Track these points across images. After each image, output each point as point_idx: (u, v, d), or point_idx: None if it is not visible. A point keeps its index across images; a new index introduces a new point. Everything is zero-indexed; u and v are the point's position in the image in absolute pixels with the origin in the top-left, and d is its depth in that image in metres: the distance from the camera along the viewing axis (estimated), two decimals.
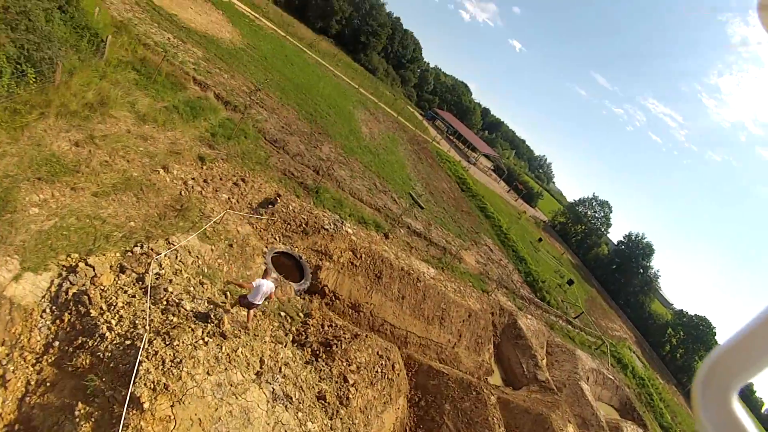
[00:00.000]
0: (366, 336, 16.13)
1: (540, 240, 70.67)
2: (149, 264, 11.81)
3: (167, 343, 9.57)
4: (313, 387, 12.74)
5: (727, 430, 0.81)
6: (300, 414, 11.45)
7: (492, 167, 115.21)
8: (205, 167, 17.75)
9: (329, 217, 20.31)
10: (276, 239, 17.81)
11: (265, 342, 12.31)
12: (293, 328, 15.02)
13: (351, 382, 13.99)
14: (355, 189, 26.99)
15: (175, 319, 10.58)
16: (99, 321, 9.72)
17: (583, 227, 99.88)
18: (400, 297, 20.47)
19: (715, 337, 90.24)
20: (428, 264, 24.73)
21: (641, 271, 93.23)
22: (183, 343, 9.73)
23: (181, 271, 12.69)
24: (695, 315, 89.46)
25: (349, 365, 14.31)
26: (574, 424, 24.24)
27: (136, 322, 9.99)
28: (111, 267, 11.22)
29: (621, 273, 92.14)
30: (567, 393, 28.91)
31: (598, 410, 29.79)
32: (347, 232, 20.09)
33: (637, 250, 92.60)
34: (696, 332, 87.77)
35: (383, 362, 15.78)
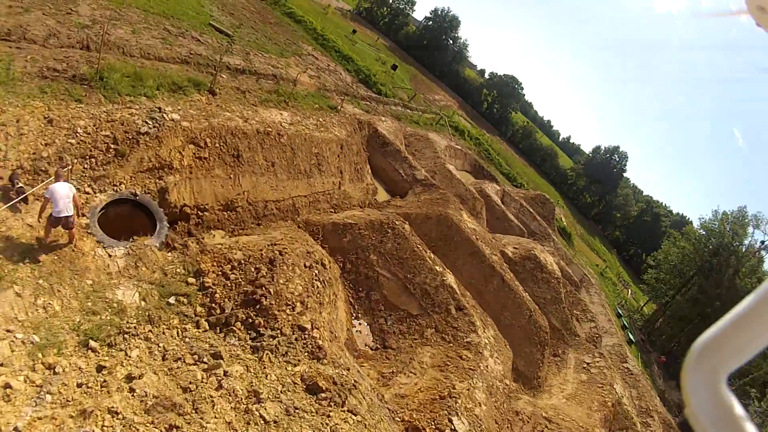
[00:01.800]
0: (280, 252, 12.70)
1: (354, 32, 67.00)
2: None
3: None
4: (292, 386, 9.84)
5: (717, 414, 0.80)
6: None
7: None
8: None
9: (139, 112, 14.31)
10: (89, 190, 12.14)
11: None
12: (198, 308, 11.09)
13: (309, 326, 11.26)
14: (146, 47, 20.06)
15: None
16: None
17: (389, 9, 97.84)
18: (269, 166, 16.71)
19: (523, 92, 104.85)
20: (276, 107, 20.58)
21: (451, 42, 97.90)
22: None
23: None
24: (504, 74, 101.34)
25: (293, 308, 11.30)
26: (466, 211, 24.88)
27: None
28: None
29: (433, 47, 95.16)
30: (440, 179, 30.11)
31: (466, 184, 31.68)
32: (173, 120, 14.51)
33: (444, 24, 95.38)
34: (507, 89, 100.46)
35: (317, 271, 13.11)
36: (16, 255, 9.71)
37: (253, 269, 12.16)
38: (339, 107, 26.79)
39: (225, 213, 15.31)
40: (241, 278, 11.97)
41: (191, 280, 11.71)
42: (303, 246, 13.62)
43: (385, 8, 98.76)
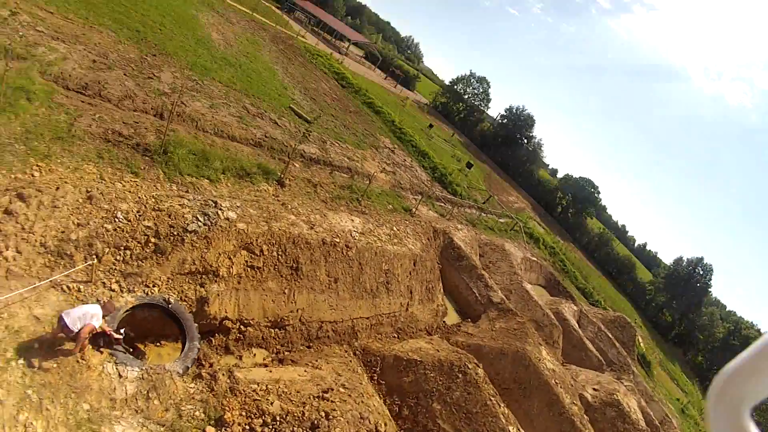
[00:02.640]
0: (326, 415, 10.19)
1: (431, 126, 67.27)
2: None
3: None
4: None
5: None
6: None
7: (364, 55, 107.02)
8: None
9: (191, 204, 12.60)
10: (115, 287, 10.36)
11: None
12: None
13: None
14: (221, 124, 19.26)
15: None
16: None
17: (465, 105, 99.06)
18: (332, 282, 14.58)
19: (600, 196, 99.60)
20: (347, 212, 18.73)
21: (525, 141, 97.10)
22: None
23: None
24: (580, 177, 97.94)
25: None
26: (545, 344, 21.62)
27: None
28: None
29: (507, 146, 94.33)
30: (515, 299, 27.20)
31: (545, 308, 28.54)
32: (228, 219, 12.67)
33: (519, 122, 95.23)
34: (582, 193, 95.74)
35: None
36: (11, 351, 7.95)
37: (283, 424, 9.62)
38: (414, 210, 24.92)
39: (272, 330, 13.07)
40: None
41: (210, 430, 9.24)
42: (356, 405, 10.93)
43: (460, 104, 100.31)
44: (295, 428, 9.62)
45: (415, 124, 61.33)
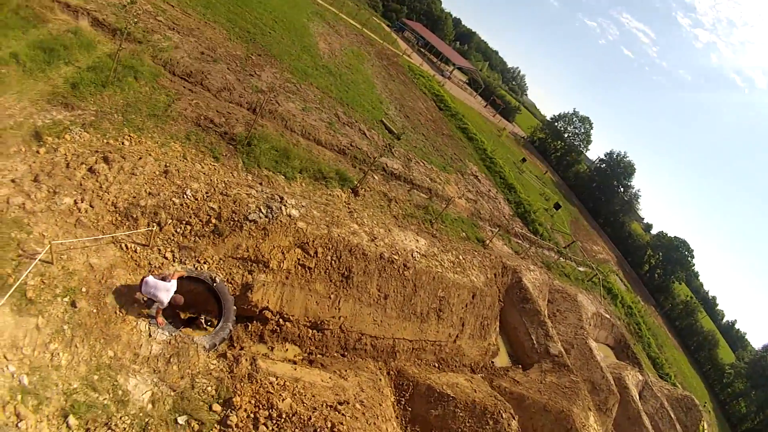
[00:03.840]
0: (332, 427, 10.04)
1: (524, 160, 65.79)
2: None
3: None
4: None
5: None
6: None
7: (467, 81, 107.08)
8: (43, 150, 10.49)
9: (259, 196, 13.06)
10: (168, 256, 11.07)
11: None
12: None
13: None
14: (310, 126, 19.98)
15: None
16: None
17: (563, 144, 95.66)
18: (381, 297, 14.48)
19: (693, 260, 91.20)
20: (414, 229, 18.65)
21: (622, 190, 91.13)
22: None
23: None
24: (675, 237, 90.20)
25: None
26: (594, 411, 20.11)
27: None
28: None
29: (602, 192, 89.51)
30: (575, 354, 25.48)
31: (605, 370, 26.55)
32: (290, 216, 13.06)
33: (618, 169, 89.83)
34: (675, 254, 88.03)
35: None
36: (60, 289, 8.72)
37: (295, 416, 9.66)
38: (488, 242, 24.27)
39: (310, 330, 13.22)
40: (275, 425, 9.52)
41: (216, 407, 9.51)
42: (366, 425, 10.60)
43: (559, 141, 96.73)
44: (297, 430, 9.60)
45: (508, 155, 60.25)
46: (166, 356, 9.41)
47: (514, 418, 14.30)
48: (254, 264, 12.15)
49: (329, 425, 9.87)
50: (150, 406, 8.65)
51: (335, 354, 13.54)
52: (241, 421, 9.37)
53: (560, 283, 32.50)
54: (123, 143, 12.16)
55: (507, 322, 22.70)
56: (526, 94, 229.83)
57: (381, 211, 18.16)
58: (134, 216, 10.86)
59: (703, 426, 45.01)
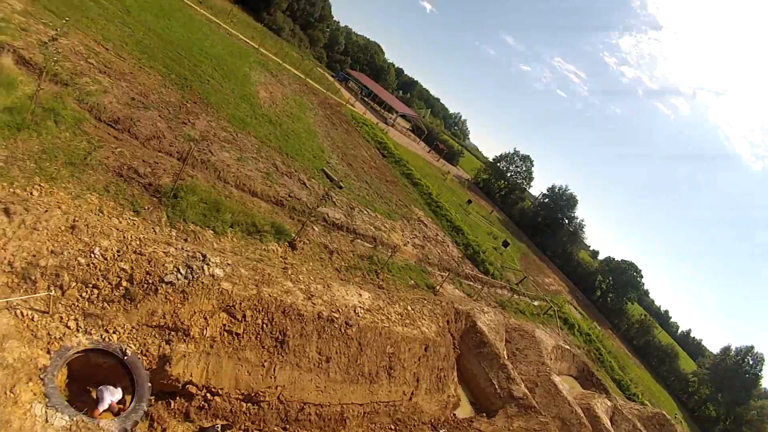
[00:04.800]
0: None
1: (469, 202, 66.59)
2: None
3: None
4: None
5: None
6: None
7: (410, 128, 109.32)
8: None
9: (178, 255, 11.62)
10: (71, 325, 9.47)
11: None
12: None
13: None
14: (245, 177, 18.88)
15: None
16: None
17: (507, 183, 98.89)
18: (323, 361, 13.09)
19: (642, 280, 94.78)
20: (358, 282, 17.62)
21: (566, 221, 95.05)
22: None
23: None
24: (622, 260, 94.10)
25: None
26: None
27: None
28: None
29: (547, 225, 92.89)
30: (540, 393, 24.79)
31: (573, 404, 25.92)
32: (213, 276, 11.61)
33: (561, 202, 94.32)
34: (624, 276, 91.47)
35: None
36: None
37: None
38: (438, 287, 23.51)
39: (243, 404, 11.60)
40: None
41: None
42: None
43: (502, 181, 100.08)
44: None
45: (454, 198, 60.83)
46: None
47: None
48: (173, 332, 10.61)
49: None
50: None
51: (275, 429, 12.03)
52: None
53: (516, 321, 32.09)
54: (31, 193, 10.72)
55: (465, 370, 21.69)
56: (468, 138, 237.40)
57: (321, 265, 17.09)
58: (33, 278, 9.22)
59: None
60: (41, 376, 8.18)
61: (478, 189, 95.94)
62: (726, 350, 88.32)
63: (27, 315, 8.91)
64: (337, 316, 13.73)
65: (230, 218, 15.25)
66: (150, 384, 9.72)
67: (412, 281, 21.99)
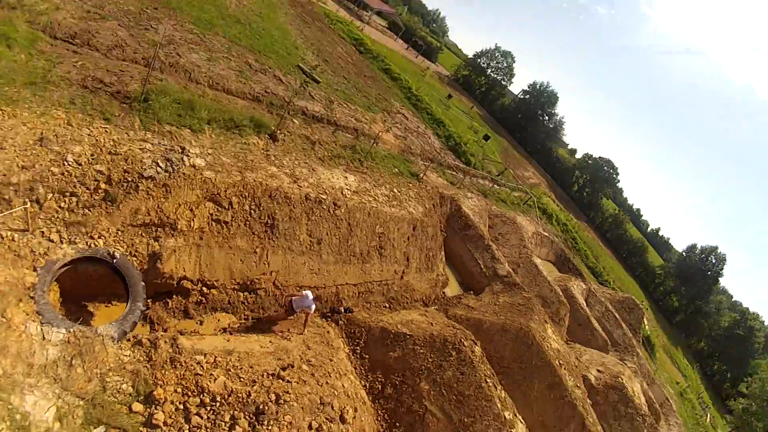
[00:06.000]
0: (276, 399, 8.93)
1: (450, 96, 65.30)
2: None
3: None
4: None
5: None
6: None
7: (387, 25, 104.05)
8: None
9: (155, 149, 10.99)
10: (54, 238, 9.05)
11: None
12: None
13: None
14: (217, 76, 17.77)
15: None
16: None
17: (487, 79, 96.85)
18: (314, 243, 13.13)
19: (618, 177, 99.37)
20: (343, 168, 17.32)
21: (546, 118, 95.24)
22: None
23: None
24: (599, 157, 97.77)
25: None
26: (550, 322, 20.39)
27: None
28: None
29: (528, 121, 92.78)
30: (522, 273, 26.04)
31: (553, 284, 27.28)
32: (194, 167, 11.07)
33: (542, 99, 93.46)
34: (601, 173, 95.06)
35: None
36: None
37: (228, 418, 8.23)
38: (421, 175, 23.49)
39: (240, 294, 11.77)
40: (208, 428, 8.06)
41: (138, 407, 7.91)
42: (318, 387, 9.64)
43: (483, 77, 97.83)
44: (236, 412, 8.36)
45: (434, 93, 59.35)
46: (67, 359, 7.71)
47: (476, 344, 13.92)
48: (159, 229, 10.33)
49: (273, 397, 8.74)
50: (57, 424, 6.99)
51: (275, 314, 12.42)
52: (170, 417, 7.92)
53: (498, 209, 32.81)
54: None
55: (452, 251, 22.37)
56: (448, 36, 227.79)
57: (304, 154, 16.70)
58: (6, 197, 8.74)
59: (645, 322, 48.46)
60: (31, 295, 7.95)
61: (458, 85, 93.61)
62: (692, 248, 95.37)
63: (7, 236, 8.49)
64: (324, 197, 13.69)
65: (207, 115, 14.47)
66: (143, 284, 9.51)
67: (395, 169, 21.88)
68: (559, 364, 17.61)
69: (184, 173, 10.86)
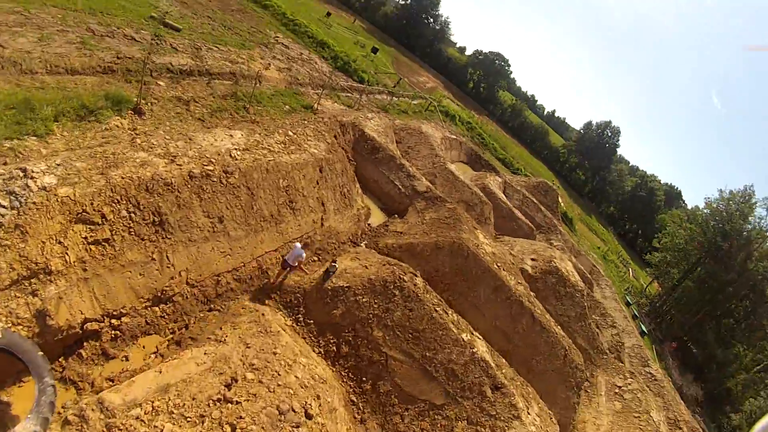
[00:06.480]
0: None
1: (329, 14, 61.55)
2: None
3: None
4: None
5: None
6: None
7: None
8: None
9: None
10: None
11: None
12: None
13: None
14: (55, 57, 14.53)
15: None
16: None
17: None
18: (216, 223, 11.55)
19: (510, 69, 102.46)
20: (227, 123, 15.34)
21: (432, 20, 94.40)
22: None
23: None
24: (490, 51, 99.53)
25: None
26: (478, 227, 20.52)
27: None
28: None
29: (413, 26, 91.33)
30: (440, 183, 26.07)
31: (472, 186, 27.53)
32: (46, 188, 8.76)
33: (423, 2, 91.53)
34: (493, 67, 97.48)
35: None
36: None
37: None
38: (316, 106, 21.85)
39: (156, 309, 10.24)
40: None
41: None
42: (270, 394, 8.73)
43: None
44: None
45: (312, 14, 55.70)
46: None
47: (416, 276, 13.52)
48: (32, 280, 8.32)
49: (229, 429, 7.82)
50: None
51: (202, 315, 10.99)
52: None
53: (402, 121, 32.16)
54: None
55: (366, 179, 21.58)
56: None
57: (180, 120, 14.56)
58: None
59: (560, 200, 51.55)
60: None
61: (336, 1, 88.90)
62: (588, 125, 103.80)
63: None
64: (211, 168, 11.92)
65: (51, 111, 11.79)
66: (42, 353, 7.59)
67: (287, 106, 20.16)
68: (498, 267, 17.84)
69: (34, 202, 8.64)
